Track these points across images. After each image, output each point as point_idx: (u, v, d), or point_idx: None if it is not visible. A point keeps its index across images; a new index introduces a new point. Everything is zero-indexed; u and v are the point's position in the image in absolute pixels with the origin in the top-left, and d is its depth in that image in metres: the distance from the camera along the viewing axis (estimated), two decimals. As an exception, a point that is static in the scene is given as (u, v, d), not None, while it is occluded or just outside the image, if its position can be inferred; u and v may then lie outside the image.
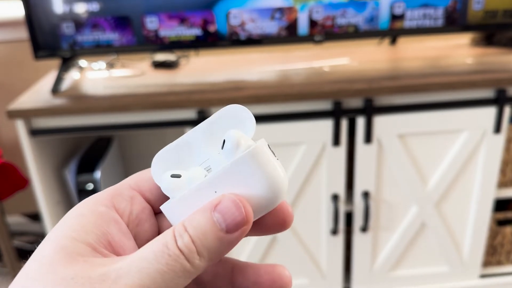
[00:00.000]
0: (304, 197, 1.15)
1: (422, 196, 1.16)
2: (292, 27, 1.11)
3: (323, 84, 1.07)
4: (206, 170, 0.25)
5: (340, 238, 1.19)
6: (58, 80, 1.14)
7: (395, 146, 1.11)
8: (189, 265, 0.22)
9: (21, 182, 1.29)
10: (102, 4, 1.08)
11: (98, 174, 1.17)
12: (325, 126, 1.08)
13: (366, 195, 1.15)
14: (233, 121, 0.25)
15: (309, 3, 1.09)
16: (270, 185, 0.23)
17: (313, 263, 1.22)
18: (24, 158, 1.08)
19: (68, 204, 1.25)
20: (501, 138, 1.11)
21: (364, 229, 1.17)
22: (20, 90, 1.26)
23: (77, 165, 1.21)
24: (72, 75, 1.26)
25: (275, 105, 1.07)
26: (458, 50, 1.36)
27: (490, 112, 1.09)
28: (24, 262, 0.22)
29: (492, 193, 1.17)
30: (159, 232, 0.26)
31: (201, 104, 1.04)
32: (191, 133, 0.26)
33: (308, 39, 1.13)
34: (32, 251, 0.22)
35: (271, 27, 1.11)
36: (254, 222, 0.25)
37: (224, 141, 0.24)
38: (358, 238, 1.20)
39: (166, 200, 0.25)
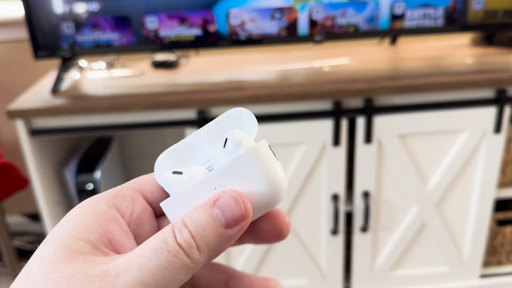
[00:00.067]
0: (304, 197, 1.15)
1: (422, 196, 1.16)
2: (292, 27, 1.11)
3: (323, 84, 1.07)
4: (208, 170, 0.25)
5: (340, 238, 1.19)
6: (58, 80, 1.14)
7: (395, 146, 1.11)
8: (189, 261, 0.22)
9: (21, 182, 1.29)
10: (102, 4, 1.08)
11: (98, 174, 1.17)
12: (325, 126, 1.08)
13: (366, 195, 1.15)
14: (236, 123, 0.26)
15: (309, 3, 1.09)
16: (269, 184, 0.23)
17: (313, 263, 1.22)
18: (24, 158, 1.08)
19: (68, 204, 1.25)
20: (501, 138, 1.11)
21: (364, 229, 1.17)
22: (20, 90, 1.26)
23: (77, 165, 1.21)
24: (72, 75, 1.26)
25: (275, 105, 1.07)
26: (458, 50, 1.36)
27: (490, 112, 1.09)
28: (25, 262, 0.22)
29: (492, 193, 1.17)
30: None
31: (201, 104, 1.04)
32: (194, 135, 0.26)
33: (308, 39, 1.13)
34: (33, 251, 0.22)
35: (271, 27, 1.11)
36: (251, 229, 0.25)
37: (226, 140, 0.24)
38: (358, 238, 1.20)
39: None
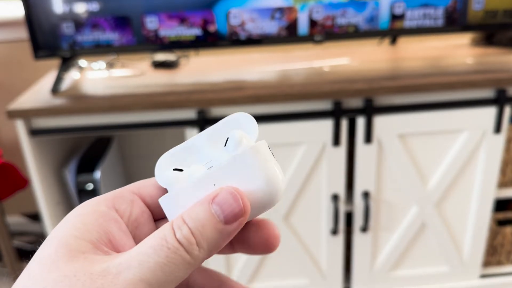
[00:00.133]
0: (304, 197, 1.15)
1: (422, 196, 1.16)
2: (292, 27, 1.11)
3: (323, 84, 1.07)
4: (208, 168, 0.26)
5: (340, 238, 1.19)
6: (58, 80, 1.14)
7: (395, 146, 1.11)
8: (189, 257, 0.22)
9: (21, 182, 1.29)
10: (102, 4, 1.08)
11: (98, 174, 1.17)
12: (325, 126, 1.08)
13: (366, 195, 1.15)
14: (238, 126, 0.26)
15: (309, 3, 1.09)
16: (267, 183, 0.24)
17: (313, 263, 1.22)
18: (24, 158, 1.08)
19: (68, 204, 1.25)
20: (501, 138, 1.11)
21: (364, 229, 1.17)
22: (20, 90, 1.26)
23: (77, 165, 1.21)
24: (72, 75, 1.26)
25: (275, 105, 1.07)
26: (458, 50, 1.36)
27: (490, 112, 1.09)
28: (25, 262, 0.22)
29: (492, 193, 1.17)
30: None
31: (201, 104, 1.04)
32: (196, 137, 0.27)
33: (308, 39, 1.13)
34: (33, 251, 0.23)
35: (271, 27, 1.11)
36: (242, 238, 0.25)
37: (227, 139, 0.25)
38: (358, 238, 1.20)
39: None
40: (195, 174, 0.25)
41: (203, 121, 1.05)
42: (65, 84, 1.18)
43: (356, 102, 1.07)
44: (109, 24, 1.09)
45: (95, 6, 1.08)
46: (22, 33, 1.42)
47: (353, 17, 1.11)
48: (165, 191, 0.26)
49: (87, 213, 0.24)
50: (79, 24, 1.09)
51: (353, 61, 1.29)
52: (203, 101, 1.04)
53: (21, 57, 1.48)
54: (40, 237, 1.70)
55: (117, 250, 0.23)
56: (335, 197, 1.15)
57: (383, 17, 1.11)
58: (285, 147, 1.10)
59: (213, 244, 0.23)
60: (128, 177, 1.52)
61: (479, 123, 1.10)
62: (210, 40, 1.12)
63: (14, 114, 1.03)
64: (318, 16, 1.11)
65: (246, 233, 0.25)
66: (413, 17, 1.11)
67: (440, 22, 1.12)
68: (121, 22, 1.10)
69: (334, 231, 1.17)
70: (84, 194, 1.17)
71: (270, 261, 1.21)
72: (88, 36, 1.10)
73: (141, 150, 1.51)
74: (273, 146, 1.08)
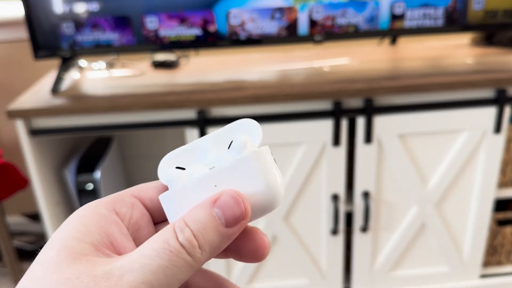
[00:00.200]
0: (304, 197, 1.15)
1: (422, 196, 1.16)
2: (292, 27, 1.11)
3: (323, 84, 1.07)
4: (210, 169, 0.26)
5: (340, 238, 1.19)
6: (58, 80, 1.14)
7: (395, 146, 1.11)
8: (191, 259, 0.22)
9: (21, 182, 1.29)
10: (102, 4, 1.08)
11: (98, 174, 1.17)
12: (325, 126, 1.08)
13: (366, 195, 1.15)
14: (243, 131, 0.27)
15: (309, 3, 1.09)
16: (268, 187, 0.24)
17: (313, 263, 1.22)
18: (24, 158, 1.08)
19: (68, 204, 1.25)
20: (501, 138, 1.11)
21: (364, 229, 1.17)
22: (20, 90, 1.26)
23: (77, 165, 1.21)
24: (72, 75, 1.26)
25: (275, 105, 1.07)
26: (458, 50, 1.36)
27: (490, 112, 1.09)
28: (25, 262, 0.22)
29: (492, 193, 1.17)
30: None
31: (201, 104, 1.04)
32: (201, 140, 0.27)
33: (308, 39, 1.13)
34: (33, 251, 0.23)
35: (271, 27, 1.11)
36: (235, 246, 0.26)
37: (231, 142, 0.25)
38: (358, 238, 1.20)
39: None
40: (197, 174, 0.25)
41: (203, 121, 1.05)
42: (65, 84, 1.18)
43: (356, 102, 1.07)
44: (109, 24, 1.09)
45: (95, 6, 1.08)
46: (22, 33, 1.42)
47: (353, 17, 1.11)
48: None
49: (88, 216, 0.24)
50: (79, 24, 1.09)
51: (353, 61, 1.29)
52: (203, 101, 1.04)
53: (21, 57, 1.48)
54: (40, 237, 1.71)
55: (118, 253, 0.24)
56: (335, 197, 1.15)
57: (383, 17, 1.11)
58: (285, 147, 1.10)
59: (214, 246, 0.23)
60: (128, 177, 1.52)
61: (479, 123, 1.10)
62: (210, 40, 1.12)
63: (14, 114, 1.03)
64: (318, 16, 1.11)
65: (236, 240, 0.25)
66: (413, 17, 1.11)
67: (440, 22, 1.12)
68: (121, 22, 1.10)
69: (334, 231, 1.17)
70: (84, 194, 1.17)
71: (270, 261, 1.21)
72: (88, 36, 1.10)
73: (141, 150, 1.51)
74: (273, 146, 1.08)
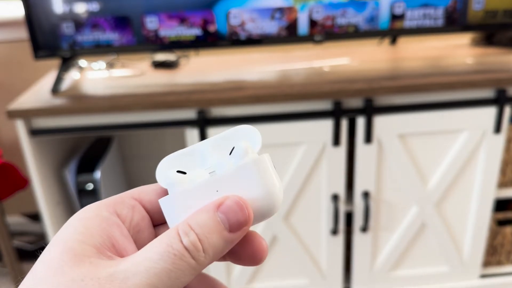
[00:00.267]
0: (304, 197, 1.15)
1: (422, 196, 1.16)
2: (292, 27, 1.11)
3: (323, 84, 1.07)
4: (210, 174, 0.26)
5: (340, 238, 1.19)
6: (58, 80, 1.14)
7: (395, 146, 1.11)
8: (194, 263, 0.22)
9: (21, 182, 1.29)
10: (102, 4, 1.08)
11: (98, 174, 1.17)
12: (325, 126, 1.08)
13: (366, 195, 1.15)
14: (243, 137, 0.27)
15: (309, 3, 1.09)
16: (268, 194, 0.25)
17: (313, 263, 1.22)
18: (24, 158, 1.08)
19: (68, 204, 1.25)
20: (501, 138, 1.11)
21: (364, 229, 1.17)
22: (20, 90, 1.26)
23: (77, 165, 1.21)
24: (72, 75, 1.26)
25: (275, 105, 1.07)
26: (458, 50, 1.36)
27: (490, 112, 1.09)
28: (25, 263, 0.22)
29: (492, 193, 1.17)
30: None
31: (201, 104, 1.04)
32: (200, 144, 0.27)
33: (308, 39, 1.13)
34: (33, 252, 0.23)
35: (271, 27, 1.11)
36: (232, 249, 0.26)
37: (233, 148, 0.26)
38: (358, 238, 1.20)
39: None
40: (198, 178, 0.25)
41: (203, 121, 1.05)
42: (65, 84, 1.18)
43: (356, 102, 1.07)
44: (109, 24, 1.09)
45: (95, 6, 1.08)
46: (22, 33, 1.42)
47: (353, 17, 1.11)
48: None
49: (89, 218, 0.24)
50: (79, 24, 1.09)
51: (353, 61, 1.29)
52: (203, 101, 1.04)
53: (21, 57, 1.48)
54: (40, 237, 1.71)
55: (120, 255, 0.24)
56: (335, 197, 1.15)
57: (383, 17, 1.11)
58: (285, 147, 1.10)
59: (217, 251, 0.23)
60: (128, 177, 1.52)
61: (479, 123, 1.10)
62: (210, 40, 1.12)
63: (14, 114, 1.03)
64: (318, 16, 1.11)
65: (235, 246, 0.25)
66: (413, 17, 1.11)
67: (440, 22, 1.12)
68: (121, 22, 1.10)
69: (334, 231, 1.17)
70: (84, 194, 1.17)
71: (270, 261, 1.21)
72: (88, 36, 1.10)
73: (141, 150, 1.51)
74: (273, 146, 1.08)
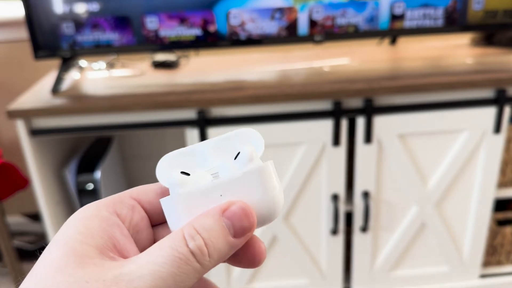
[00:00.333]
0: (304, 197, 1.15)
1: (422, 196, 1.16)
2: (292, 27, 1.11)
3: (323, 84, 1.07)
4: (213, 177, 0.26)
5: (340, 238, 1.19)
6: (58, 80, 1.14)
7: (395, 146, 1.11)
8: (199, 266, 0.23)
9: (21, 182, 1.29)
10: (102, 4, 1.08)
11: (98, 174, 1.17)
12: (325, 126, 1.08)
13: (366, 195, 1.15)
14: (246, 140, 0.27)
15: (309, 3, 1.09)
16: (271, 201, 0.25)
17: (313, 263, 1.22)
18: (24, 158, 1.08)
19: (68, 204, 1.25)
20: (501, 138, 1.11)
21: (364, 229, 1.17)
22: (20, 90, 1.26)
23: (77, 165, 1.21)
24: (72, 75, 1.26)
25: (275, 105, 1.07)
26: (458, 50, 1.36)
27: (490, 112, 1.09)
28: (25, 263, 0.22)
29: (492, 193, 1.17)
30: (154, 242, 0.27)
31: (201, 104, 1.04)
32: (201, 144, 0.27)
33: (308, 39, 1.13)
34: (33, 251, 0.23)
35: (271, 27, 1.11)
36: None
37: (238, 153, 0.26)
38: (358, 238, 1.20)
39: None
40: (202, 181, 0.25)
41: (203, 121, 1.05)
42: (65, 84, 1.18)
43: (356, 102, 1.07)
44: (109, 24, 1.10)
45: (95, 6, 1.08)
46: (22, 33, 1.42)
47: (353, 17, 1.11)
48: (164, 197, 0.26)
49: (89, 217, 0.24)
50: (79, 24, 1.09)
51: (353, 61, 1.29)
52: (203, 101, 1.04)
53: (21, 57, 1.48)
54: (40, 237, 1.71)
55: (122, 255, 0.24)
56: (335, 197, 1.15)
57: (383, 17, 1.11)
58: (285, 147, 1.10)
59: (222, 255, 0.24)
60: (128, 177, 1.52)
61: (479, 123, 1.10)
62: (210, 40, 1.12)
63: (14, 114, 1.03)
64: (318, 16, 1.11)
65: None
66: (413, 17, 1.11)
67: (440, 22, 1.12)
68: (121, 22, 1.10)
69: (334, 231, 1.17)
70: (84, 194, 1.17)
71: (270, 261, 1.21)
72: (88, 36, 1.11)
73: (141, 150, 1.51)
74: (273, 146, 1.08)
